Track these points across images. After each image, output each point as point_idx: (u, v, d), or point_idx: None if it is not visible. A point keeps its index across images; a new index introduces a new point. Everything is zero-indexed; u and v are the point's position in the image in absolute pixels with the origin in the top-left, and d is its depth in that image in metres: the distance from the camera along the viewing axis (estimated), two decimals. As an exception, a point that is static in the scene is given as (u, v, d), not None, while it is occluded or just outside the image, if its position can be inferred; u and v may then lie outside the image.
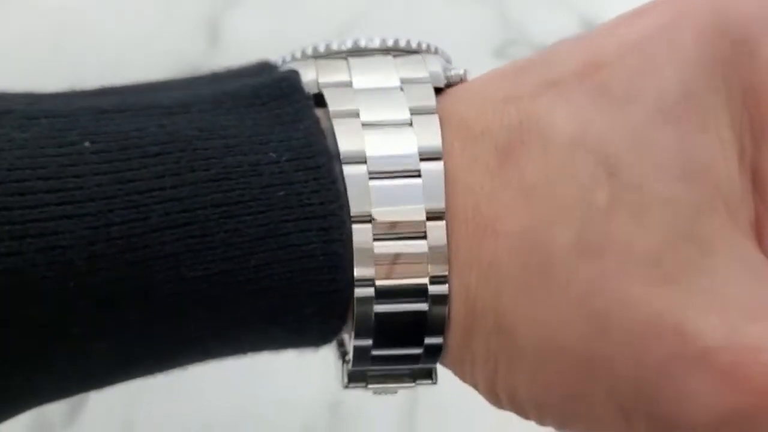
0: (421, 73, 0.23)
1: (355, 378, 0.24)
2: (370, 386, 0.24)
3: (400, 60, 0.23)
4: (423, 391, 0.42)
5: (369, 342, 0.22)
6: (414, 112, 0.22)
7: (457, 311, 0.22)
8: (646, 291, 0.20)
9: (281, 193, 0.21)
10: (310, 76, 0.23)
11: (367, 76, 0.23)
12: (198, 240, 0.20)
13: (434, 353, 0.22)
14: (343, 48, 0.23)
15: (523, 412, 0.22)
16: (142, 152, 0.20)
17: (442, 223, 0.22)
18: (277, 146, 0.21)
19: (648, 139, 0.21)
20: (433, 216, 0.22)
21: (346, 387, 0.24)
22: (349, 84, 0.23)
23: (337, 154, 0.22)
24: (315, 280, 0.21)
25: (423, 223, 0.21)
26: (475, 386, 0.23)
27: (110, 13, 0.43)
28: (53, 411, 0.38)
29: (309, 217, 0.21)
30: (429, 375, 0.24)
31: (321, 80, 0.23)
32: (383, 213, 0.21)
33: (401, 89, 0.23)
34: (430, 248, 0.21)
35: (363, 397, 0.42)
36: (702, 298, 0.20)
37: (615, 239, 0.20)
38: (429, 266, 0.22)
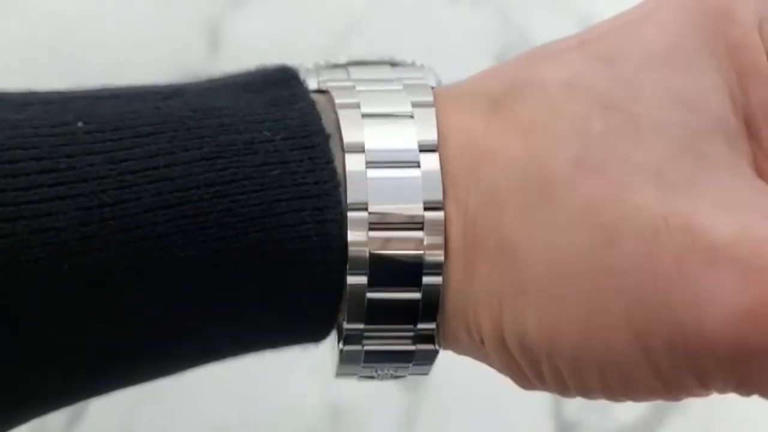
0: (418, 73, 0.23)
1: (350, 358, 0.22)
2: (365, 365, 0.23)
3: (397, 68, 0.24)
4: (423, 396, 0.43)
5: (364, 280, 0.21)
6: (414, 105, 0.22)
7: (456, 237, 0.21)
8: (650, 197, 0.20)
9: (275, 171, 0.21)
10: (311, 79, 0.23)
11: (367, 75, 0.23)
12: (191, 220, 0.20)
13: (434, 298, 0.21)
14: (341, 62, 0.24)
15: (534, 362, 0.21)
16: (135, 132, 0.20)
17: (435, 154, 0.21)
18: (272, 125, 0.21)
19: (639, 81, 0.21)
20: (426, 148, 0.22)
21: (339, 371, 0.23)
22: (349, 80, 0.23)
23: (337, 136, 0.21)
24: (308, 261, 0.21)
25: (416, 152, 0.21)
26: (481, 338, 0.22)
27: (110, 17, 0.43)
28: (53, 419, 0.38)
29: (303, 196, 0.21)
30: (431, 340, 0.22)
31: (321, 79, 0.23)
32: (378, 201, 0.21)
33: (402, 87, 0.23)
34: (424, 174, 0.21)
35: (364, 402, 0.43)
36: (708, 201, 0.20)
37: (614, 156, 0.20)
38: (423, 198, 0.21)
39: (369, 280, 0.21)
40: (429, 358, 0.23)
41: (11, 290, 0.19)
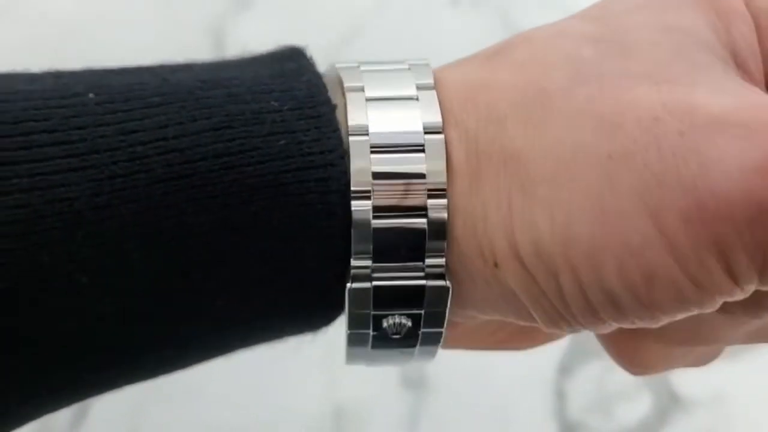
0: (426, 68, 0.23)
1: (358, 300, 0.22)
2: (375, 311, 0.22)
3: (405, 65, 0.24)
4: (426, 397, 0.43)
5: (368, 205, 0.21)
6: (418, 88, 0.22)
7: (458, 160, 0.21)
8: (647, 90, 0.20)
9: (282, 142, 0.21)
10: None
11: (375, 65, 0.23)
12: (199, 190, 0.20)
13: (440, 223, 0.21)
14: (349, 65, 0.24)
15: (551, 273, 0.21)
16: (145, 103, 0.21)
17: (432, 91, 0.22)
18: (279, 96, 0.21)
19: (627, 21, 0.22)
20: (422, 86, 0.22)
21: (350, 327, 0.22)
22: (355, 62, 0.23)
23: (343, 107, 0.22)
24: (314, 227, 0.21)
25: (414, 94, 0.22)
26: (495, 261, 0.21)
27: (114, 20, 0.43)
28: (57, 418, 0.38)
29: (309, 167, 0.21)
30: (441, 277, 0.22)
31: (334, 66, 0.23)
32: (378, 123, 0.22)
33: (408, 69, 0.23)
34: (421, 104, 0.22)
35: (367, 403, 0.43)
36: (702, 88, 0.20)
37: (608, 70, 0.21)
38: (422, 120, 0.21)
39: (374, 207, 0.21)
40: (441, 299, 0.22)
41: (28, 258, 0.19)
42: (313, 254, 0.21)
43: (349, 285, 0.22)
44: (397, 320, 0.22)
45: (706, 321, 0.23)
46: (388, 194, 0.21)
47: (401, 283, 0.22)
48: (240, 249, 0.21)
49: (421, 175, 0.21)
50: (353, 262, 0.21)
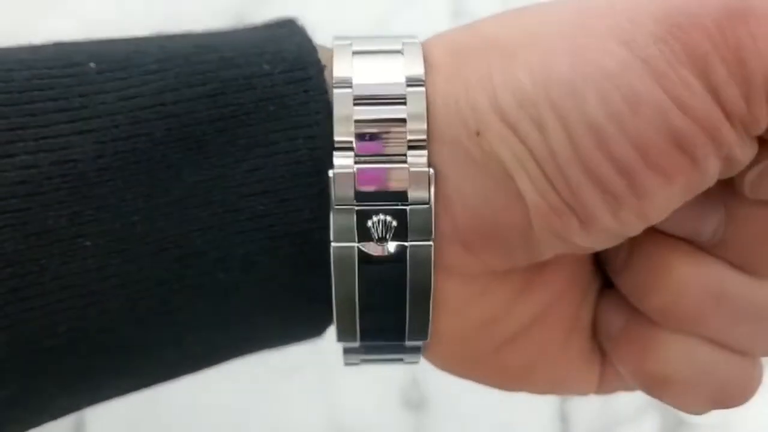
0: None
1: (342, 177, 0.22)
2: (359, 186, 0.22)
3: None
4: (427, 421, 0.42)
5: (349, 92, 0.22)
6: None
7: (438, 57, 0.22)
8: None
9: (272, 108, 0.22)
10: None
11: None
12: (195, 151, 0.21)
13: (420, 105, 0.22)
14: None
15: (536, 120, 0.21)
16: (143, 70, 0.22)
17: (417, 42, 0.23)
18: (271, 58, 0.22)
19: None
20: (406, 41, 0.23)
21: (336, 201, 0.22)
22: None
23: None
24: (304, 183, 0.22)
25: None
26: (477, 129, 0.21)
27: (137, 8, 0.43)
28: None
29: (297, 126, 0.22)
30: (422, 146, 0.22)
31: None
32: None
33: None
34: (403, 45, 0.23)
35: (368, 422, 0.42)
36: None
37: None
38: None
39: (354, 97, 0.22)
40: (424, 186, 0.22)
41: (35, 220, 0.20)
42: (308, 214, 0.22)
43: (331, 172, 0.22)
44: (382, 218, 0.22)
45: (726, 291, 0.23)
46: (369, 88, 0.22)
47: (383, 166, 0.22)
48: (238, 212, 0.22)
49: (401, 78, 0.22)
50: (336, 155, 0.22)
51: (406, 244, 0.22)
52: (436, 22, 0.45)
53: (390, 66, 0.22)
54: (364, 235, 0.22)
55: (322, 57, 0.23)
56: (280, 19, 0.24)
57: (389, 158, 0.22)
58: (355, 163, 0.22)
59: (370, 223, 0.22)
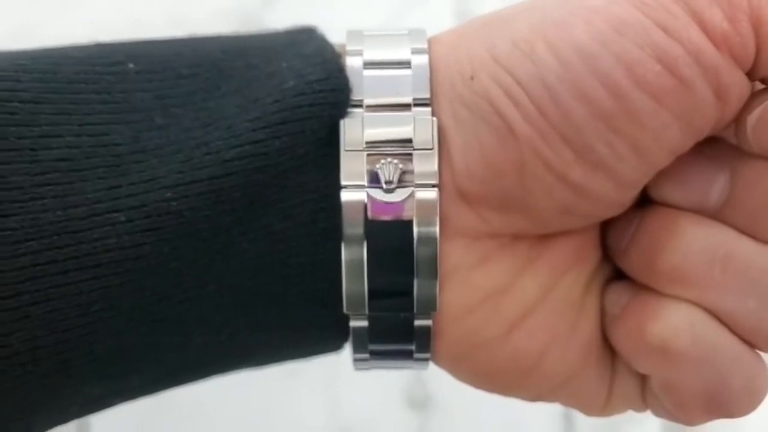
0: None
1: (351, 129, 0.23)
2: (367, 146, 0.23)
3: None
4: (431, 420, 0.42)
5: (360, 61, 0.24)
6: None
7: (442, 36, 0.24)
8: None
9: (291, 83, 0.23)
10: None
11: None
12: (224, 131, 0.23)
13: (423, 69, 0.24)
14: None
15: (525, 49, 0.22)
16: (177, 74, 0.24)
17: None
18: (291, 57, 0.24)
19: None
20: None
21: (345, 168, 0.23)
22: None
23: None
24: (324, 153, 0.23)
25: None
26: (471, 64, 0.23)
27: (148, 6, 0.44)
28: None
29: (321, 102, 0.23)
30: (426, 104, 0.24)
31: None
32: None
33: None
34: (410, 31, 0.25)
35: (371, 425, 0.42)
36: None
37: None
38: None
39: (364, 62, 0.24)
40: (429, 132, 0.23)
41: (74, 191, 0.22)
42: (329, 185, 0.23)
43: (342, 120, 0.23)
44: (390, 160, 0.23)
45: (732, 256, 0.23)
46: (378, 54, 0.24)
47: (391, 113, 0.24)
48: (267, 189, 0.23)
49: (405, 48, 0.24)
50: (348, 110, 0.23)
51: (412, 188, 0.23)
52: (440, 24, 0.46)
53: (398, 42, 0.24)
54: (373, 178, 0.23)
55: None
56: (301, 27, 0.25)
57: (395, 108, 0.23)
58: (365, 111, 0.23)
59: (378, 166, 0.23)
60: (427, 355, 0.25)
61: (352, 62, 0.24)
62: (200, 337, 0.23)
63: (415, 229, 0.23)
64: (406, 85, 0.23)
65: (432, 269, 0.23)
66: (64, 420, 0.24)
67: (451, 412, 0.42)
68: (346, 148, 0.23)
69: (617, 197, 0.23)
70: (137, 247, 0.22)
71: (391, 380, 0.42)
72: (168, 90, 0.23)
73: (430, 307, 0.24)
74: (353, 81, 0.24)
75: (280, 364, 0.26)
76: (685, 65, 0.21)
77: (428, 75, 0.23)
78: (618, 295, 0.25)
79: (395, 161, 0.23)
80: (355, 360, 0.25)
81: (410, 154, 0.23)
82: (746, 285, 0.23)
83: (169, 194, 0.22)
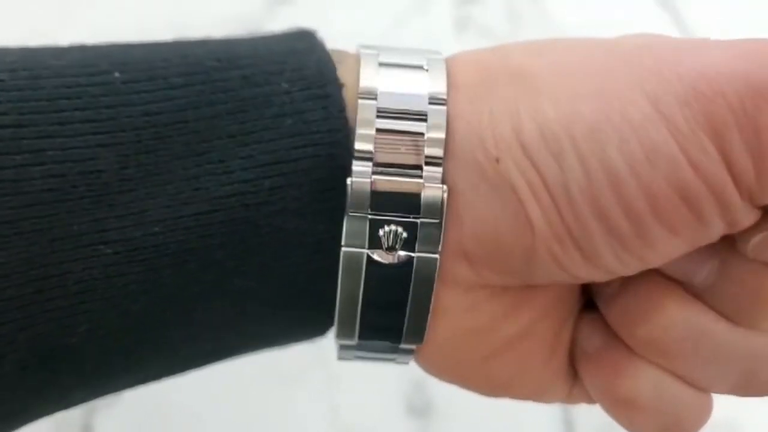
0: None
1: (357, 196, 0.22)
2: (372, 213, 0.22)
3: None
4: (431, 427, 0.42)
5: (373, 105, 0.22)
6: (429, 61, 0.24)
7: (462, 76, 0.23)
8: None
9: (289, 121, 0.22)
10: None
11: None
12: (216, 165, 0.22)
13: (439, 128, 0.22)
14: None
15: (556, 155, 0.22)
16: (168, 84, 0.22)
17: (441, 59, 0.24)
18: (290, 75, 0.23)
19: None
20: (431, 58, 0.24)
21: (348, 229, 0.23)
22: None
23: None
24: (323, 200, 0.22)
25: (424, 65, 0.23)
26: (497, 156, 0.22)
27: (151, 13, 0.44)
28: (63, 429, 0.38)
29: (317, 143, 0.22)
30: (438, 164, 0.22)
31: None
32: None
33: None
34: (428, 61, 0.23)
35: (373, 427, 0.42)
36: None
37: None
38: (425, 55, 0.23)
39: (378, 109, 0.22)
40: (437, 206, 0.22)
41: (60, 224, 0.21)
42: (323, 229, 0.23)
43: (349, 180, 0.22)
44: (393, 228, 0.23)
45: (707, 335, 0.24)
46: (393, 101, 0.23)
47: (399, 179, 0.22)
48: (258, 227, 0.22)
49: (423, 96, 0.23)
50: (355, 164, 0.22)
51: (413, 254, 0.23)
52: (441, 31, 0.46)
53: (414, 80, 0.23)
54: (375, 242, 0.23)
55: (342, 71, 0.23)
56: (299, 31, 0.24)
57: (405, 171, 0.22)
58: (373, 173, 0.22)
59: (381, 233, 0.23)
60: (410, 357, 0.26)
61: (364, 113, 0.23)
62: (186, 350, 0.24)
63: (413, 279, 0.23)
64: (420, 144, 0.22)
65: (423, 313, 0.24)
66: (48, 413, 0.24)
67: (451, 419, 0.41)
68: (351, 213, 0.22)
69: (612, 277, 0.24)
70: (123, 276, 0.22)
71: (391, 387, 0.42)
72: (157, 104, 0.22)
73: (416, 341, 0.24)
74: (364, 131, 0.22)
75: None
76: (707, 205, 0.22)
77: (444, 137, 0.22)
78: (592, 332, 0.26)
79: (399, 229, 0.23)
80: (341, 348, 0.26)
81: (416, 223, 0.23)
82: (713, 358, 0.25)
83: (157, 228, 0.22)
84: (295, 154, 0.22)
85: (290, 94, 0.22)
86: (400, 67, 0.23)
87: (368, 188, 0.22)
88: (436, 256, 0.23)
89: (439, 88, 0.23)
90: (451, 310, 0.24)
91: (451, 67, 0.23)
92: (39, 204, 0.21)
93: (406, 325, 0.24)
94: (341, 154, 0.22)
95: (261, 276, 0.23)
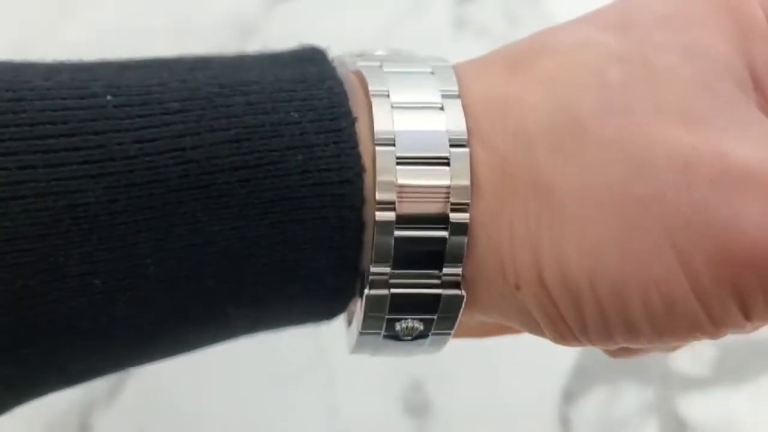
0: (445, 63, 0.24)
1: (375, 304, 0.22)
2: (389, 315, 0.22)
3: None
4: (429, 426, 0.42)
5: (392, 217, 0.21)
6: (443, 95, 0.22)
7: (485, 176, 0.21)
8: (676, 131, 0.20)
9: (299, 157, 0.21)
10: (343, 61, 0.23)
11: (397, 63, 0.23)
12: (215, 200, 0.20)
13: (462, 231, 0.21)
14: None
15: (575, 299, 0.21)
16: (163, 109, 0.20)
17: (457, 100, 0.22)
18: (300, 105, 0.21)
19: (648, 38, 0.22)
20: (447, 94, 0.22)
21: (364, 328, 0.23)
22: (377, 59, 0.23)
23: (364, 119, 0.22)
24: (328, 239, 0.21)
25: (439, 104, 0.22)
26: (516, 283, 0.22)
27: (150, 11, 0.44)
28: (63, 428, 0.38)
29: (325, 182, 0.21)
30: (457, 285, 0.22)
31: (352, 61, 0.23)
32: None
33: (432, 73, 0.23)
34: (446, 114, 0.22)
35: (371, 427, 0.42)
36: (729, 131, 0.21)
37: (636, 99, 0.21)
38: (447, 134, 0.21)
39: (397, 216, 0.21)
40: (454, 307, 0.22)
41: (45, 259, 0.20)
42: (326, 265, 0.22)
43: (366, 291, 0.22)
44: (410, 324, 0.23)
45: None
46: (412, 205, 0.21)
47: (418, 291, 0.22)
48: (254, 258, 0.21)
49: (446, 188, 0.21)
50: (372, 269, 0.22)
51: (428, 335, 0.23)
52: (439, 31, 0.46)
53: (432, 195, 0.21)
54: (391, 330, 0.23)
55: (352, 100, 0.22)
56: (310, 51, 0.23)
57: (424, 277, 0.22)
58: (390, 287, 0.22)
59: (398, 327, 0.23)
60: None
61: (383, 162, 0.21)
62: (174, 353, 0.24)
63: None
64: (439, 257, 0.22)
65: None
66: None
67: (450, 418, 0.42)
68: (369, 313, 0.22)
69: None
70: (112, 304, 0.21)
71: (389, 387, 0.42)
72: (152, 130, 0.20)
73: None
74: (384, 178, 0.21)
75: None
76: (708, 333, 0.21)
77: (465, 253, 0.22)
78: None
79: (415, 324, 0.23)
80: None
81: (432, 319, 0.23)
82: None
83: (148, 260, 0.20)
84: (303, 192, 0.21)
85: (300, 124, 0.21)
86: (415, 109, 0.22)
87: (387, 300, 0.22)
88: (450, 333, 0.23)
89: (463, 198, 0.21)
90: (463, 324, 0.25)
91: (469, 110, 0.22)
92: (21, 238, 0.19)
93: (426, 344, 0.24)
94: (351, 194, 0.21)
95: (256, 306, 0.22)
